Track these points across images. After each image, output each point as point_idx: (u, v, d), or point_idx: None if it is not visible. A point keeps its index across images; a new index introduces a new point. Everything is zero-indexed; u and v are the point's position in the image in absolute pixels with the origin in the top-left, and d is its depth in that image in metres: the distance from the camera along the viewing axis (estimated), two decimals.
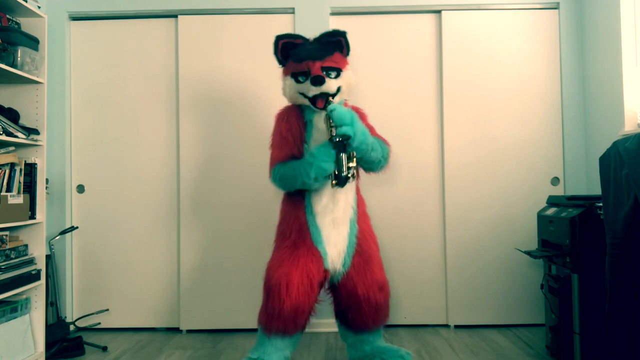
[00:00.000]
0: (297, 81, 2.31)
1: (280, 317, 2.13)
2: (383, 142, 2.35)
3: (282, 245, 2.27)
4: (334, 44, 2.32)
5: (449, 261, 3.24)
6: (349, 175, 2.09)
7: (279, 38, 2.35)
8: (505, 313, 3.23)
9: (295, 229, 2.26)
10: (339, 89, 2.31)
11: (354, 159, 2.11)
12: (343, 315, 2.36)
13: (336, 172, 2.09)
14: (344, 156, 2.09)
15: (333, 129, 2.09)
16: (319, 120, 2.31)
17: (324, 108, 2.27)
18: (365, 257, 2.28)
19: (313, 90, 2.26)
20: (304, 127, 2.33)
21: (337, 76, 2.30)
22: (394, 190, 3.29)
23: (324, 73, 2.26)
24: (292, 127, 2.31)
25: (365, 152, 2.19)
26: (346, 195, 2.29)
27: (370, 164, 2.30)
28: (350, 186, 2.31)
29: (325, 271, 2.24)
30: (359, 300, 2.24)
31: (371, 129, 2.39)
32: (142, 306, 3.28)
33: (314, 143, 2.28)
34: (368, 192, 3.27)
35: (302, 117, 2.35)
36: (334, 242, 2.24)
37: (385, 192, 3.28)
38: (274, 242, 2.36)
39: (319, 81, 2.22)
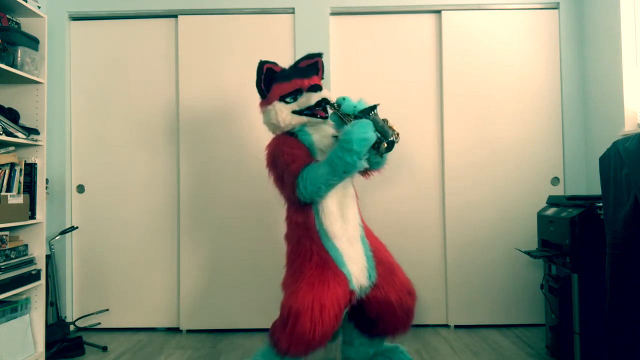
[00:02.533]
0: (286, 102, 2.29)
1: (309, 343, 2.00)
2: None
3: (305, 266, 2.15)
4: (312, 67, 2.37)
5: (449, 261, 3.24)
6: (396, 134, 2.14)
7: (262, 63, 2.33)
8: (505, 313, 3.23)
9: (316, 251, 2.17)
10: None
11: (392, 123, 2.18)
12: (368, 325, 2.31)
13: (380, 139, 2.09)
14: (382, 120, 2.13)
15: (349, 116, 2.19)
16: (319, 141, 2.28)
17: (326, 118, 2.32)
18: (388, 266, 2.28)
19: (315, 97, 2.27)
20: (303, 144, 2.27)
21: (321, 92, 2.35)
22: (394, 190, 3.29)
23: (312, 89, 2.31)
24: (296, 146, 2.24)
25: (385, 135, 2.16)
26: (354, 212, 2.28)
27: (376, 158, 2.30)
28: (354, 202, 2.29)
29: (351, 292, 2.15)
30: (393, 307, 2.22)
31: None
32: (142, 306, 3.28)
33: (322, 143, 2.31)
34: (368, 192, 3.27)
35: (302, 143, 2.28)
36: (354, 260, 2.20)
37: (385, 192, 3.28)
38: (289, 263, 2.25)
39: (319, 88, 2.28)
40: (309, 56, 2.40)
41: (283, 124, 2.30)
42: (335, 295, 2.05)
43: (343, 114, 2.26)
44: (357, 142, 2.01)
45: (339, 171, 2.07)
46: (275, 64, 2.37)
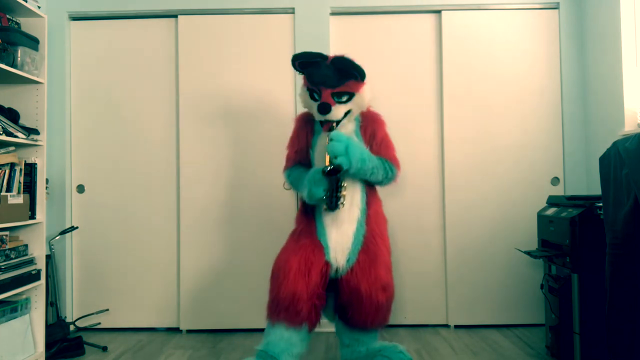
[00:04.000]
0: (312, 97, 2.37)
1: (278, 302, 2.18)
2: (390, 163, 2.39)
3: (290, 237, 2.40)
4: (349, 73, 2.31)
5: (449, 261, 3.24)
6: (338, 203, 2.26)
7: (295, 58, 2.36)
8: (505, 313, 3.23)
9: (304, 222, 2.39)
10: (347, 113, 2.34)
11: (344, 189, 2.28)
12: (343, 311, 2.36)
13: (325, 198, 2.26)
14: (335, 185, 2.26)
15: (329, 160, 2.23)
16: (323, 136, 2.37)
17: (328, 131, 2.32)
18: (372, 257, 2.30)
19: (318, 117, 2.32)
20: (312, 133, 2.47)
21: (349, 100, 2.32)
22: (394, 190, 3.28)
23: (334, 99, 2.29)
24: (301, 131, 2.49)
25: (363, 176, 2.29)
26: (352, 195, 2.33)
27: (372, 182, 2.39)
28: (355, 188, 2.35)
29: (327, 263, 2.28)
30: (361, 297, 2.24)
31: (386, 143, 2.42)
32: (142, 306, 3.28)
33: (317, 150, 2.40)
34: None
35: (313, 125, 2.48)
36: (336, 239, 2.30)
37: (385, 191, 3.28)
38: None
39: (324, 109, 2.26)
40: (348, 65, 2.28)
41: (303, 105, 2.48)
42: (304, 259, 2.23)
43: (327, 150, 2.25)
44: (308, 192, 2.25)
45: (304, 194, 2.30)
46: (312, 56, 2.33)
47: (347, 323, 2.35)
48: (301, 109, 3.13)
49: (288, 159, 2.51)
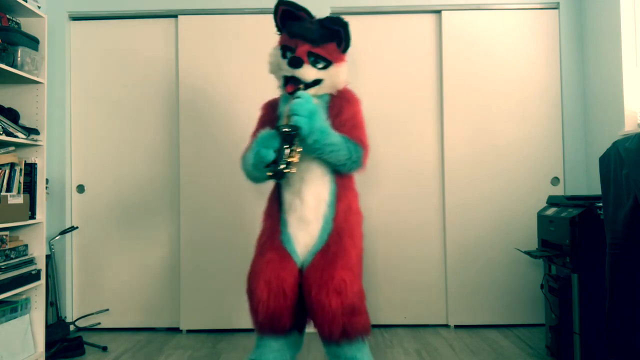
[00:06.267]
0: (284, 55, 2.13)
1: (259, 322, 2.01)
2: (356, 144, 2.07)
3: (257, 246, 2.12)
4: (333, 33, 2.10)
5: (449, 261, 3.24)
6: (286, 169, 1.89)
7: (280, 3, 2.14)
8: (505, 313, 3.23)
9: (268, 226, 2.12)
10: (317, 82, 2.09)
11: (297, 154, 1.93)
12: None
13: (274, 163, 1.92)
14: (286, 148, 1.90)
15: (287, 118, 1.94)
16: (285, 112, 2.07)
17: (292, 94, 2.06)
18: (330, 257, 1.98)
19: (286, 71, 2.08)
20: (276, 119, 2.18)
21: (324, 68, 2.09)
22: (393, 190, 3.29)
23: (310, 59, 2.07)
24: (265, 119, 2.21)
25: (321, 152, 1.98)
26: (317, 191, 2.06)
27: (333, 165, 2.07)
28: (323, 181, 2.07)
29: (300, 270, 2.03)
30: (312, 302, 1.95)
31: (354, 123, 2.12)
32: (142, 306, 3.28)
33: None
34: (366, 190, 3.27)
35: (277, 109, 2.19)
36: (303, 241, 2.04)
37: (384, 191, 3.28)
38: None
39: (295, 63, 2.02)
40: (333, 20, 2.10)
41: (271, 71, 2.22)
42: (275, 277, 1.97)
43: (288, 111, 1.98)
44: (255, 154, 1.97)
45: (246, 167, 2.06)
46: (298, 8, 2.16)
47: (319, 336, 2.07)
48: None
49: (247, 148, 2.15)
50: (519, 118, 3.27)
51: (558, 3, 3.27)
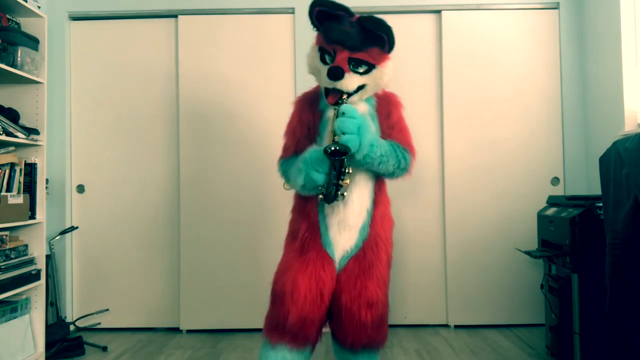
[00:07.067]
0: (322, 59, 1.96)
1: (285, 327, 1.87)
2: (403, 150, 1.98)
3: (290, 246, 2.00)
4: (375, 37, 1.90)
5: (449, 261, 3.24)
6: (339, 193, 1.83)
7: (315, 4, 1.92)
8: (505, 313, 3.23)
9: (305, 227, 1.97)
10: (361, 88, 1.93)
11: (348, 177, 1.84)
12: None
13: (324, 187, 1.84)
14: (337, 171, 1.80)
15: (336, 136, 1.81)
16: (330, 111, 1.98)
17: (335, 104, 1.90)
18: (364, 266, 1.94)
19: (325, 83, 1.91)
20: (319, 116, 2.01)
21: (367, 72, 1.92)
22: (394, 190, 3.28)
23: (350, 65, 1.88)
24: (303, 117, 2.03)
25: (371, 165, 1.90)
26: (361, 196, 1.96)
27: (381, 175, 2.00)
28: (367, 186, 1.98)
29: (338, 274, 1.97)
30: (340, 310, 1.90)
31: (401, 126, 2.03)
32: (142, 306, 3.28)
33: (327, 137, 1.98)
34: None
35: (317, 105, 2.03)
36: (342, 246, 1.95)
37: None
38: (285, 241, 2.09)
39: (334, 75, 1.84)
40: (377, 25, 1.88)
41: (310, 71, 2.05)
42: (315, 278, 1.88)
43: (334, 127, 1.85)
44: (305, 176, 1.85)
45: (293, 184, 1.93)
46: (336, 7, 1.92)
47: (335, 339, 2.04)
48: None
49: (286, 148, 2.04)
50: (519, 118, 3.27)
51: (558, 3, 3.27)
